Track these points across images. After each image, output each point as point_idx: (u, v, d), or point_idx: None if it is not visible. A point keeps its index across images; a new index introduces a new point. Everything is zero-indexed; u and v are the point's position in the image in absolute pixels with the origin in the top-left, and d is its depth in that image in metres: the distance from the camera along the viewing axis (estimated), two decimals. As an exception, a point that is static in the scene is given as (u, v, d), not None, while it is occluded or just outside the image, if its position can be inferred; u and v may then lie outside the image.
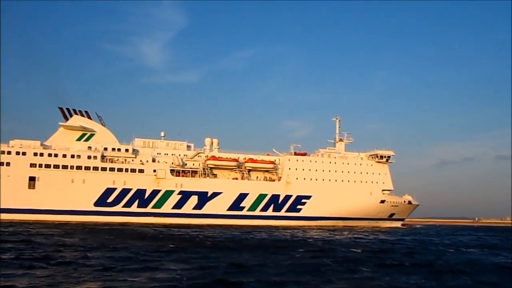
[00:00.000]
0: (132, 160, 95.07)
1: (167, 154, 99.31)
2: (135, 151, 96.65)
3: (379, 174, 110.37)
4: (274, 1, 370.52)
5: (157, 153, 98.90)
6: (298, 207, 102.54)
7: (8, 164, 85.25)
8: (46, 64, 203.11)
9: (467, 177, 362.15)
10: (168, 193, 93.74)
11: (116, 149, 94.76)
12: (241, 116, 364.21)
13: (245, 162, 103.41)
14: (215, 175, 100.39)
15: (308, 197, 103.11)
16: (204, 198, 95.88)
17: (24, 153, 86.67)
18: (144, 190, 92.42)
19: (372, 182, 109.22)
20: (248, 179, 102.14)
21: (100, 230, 58.85)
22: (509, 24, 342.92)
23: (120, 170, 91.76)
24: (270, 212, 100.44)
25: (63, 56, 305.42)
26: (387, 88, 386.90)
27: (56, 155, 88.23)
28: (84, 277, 22.69)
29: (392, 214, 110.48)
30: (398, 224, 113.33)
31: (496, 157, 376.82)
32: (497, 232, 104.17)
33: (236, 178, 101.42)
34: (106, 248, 36.09)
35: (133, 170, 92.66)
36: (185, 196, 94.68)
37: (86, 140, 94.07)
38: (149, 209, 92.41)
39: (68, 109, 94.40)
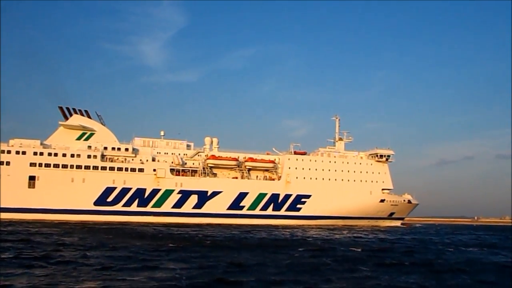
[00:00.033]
0: (132, 160, 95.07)
1: (167, 153, 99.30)
2: (135, 151, 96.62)
3: (379, 173, 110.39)
4: (274, 1, 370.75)
5: (157, 153, 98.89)
6: (298, 206, 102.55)
7: (8, 163, 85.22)
8: (46, 63, 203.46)
9: (466, 176, 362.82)
10: (168, 193, 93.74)
11: (116, 149, 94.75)
12: (241, 115, 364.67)
13: (245, 161, 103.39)
14: (215, 174, 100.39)
15: (308, 196, 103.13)
16: (204, 197, 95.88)
17: (24, 153, 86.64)
18: (144, 190, 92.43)
19: (372, 181, 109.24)
20: (248, 178, 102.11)
21: (99, 229, 58.85)
22: (509, 24, 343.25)
23: (120, 169, 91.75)
24: (269, 211, 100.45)
25: (63, 56, 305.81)
26: (387, 88, 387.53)
27: (56, 155, 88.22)
28: (83, 276, 22.70)
29: (391, 213, 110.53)
30: (397, 223, 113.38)
31: (496, 157, 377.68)
32: (496, 231, 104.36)
33: (236, 177, 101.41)
34: (106, 247, 36.09)
35: (133, 170, 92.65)
36: (185, 195, 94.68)
37: (86, 139, 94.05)
38: (149, 208, 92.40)
39: (68, 109, 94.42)
